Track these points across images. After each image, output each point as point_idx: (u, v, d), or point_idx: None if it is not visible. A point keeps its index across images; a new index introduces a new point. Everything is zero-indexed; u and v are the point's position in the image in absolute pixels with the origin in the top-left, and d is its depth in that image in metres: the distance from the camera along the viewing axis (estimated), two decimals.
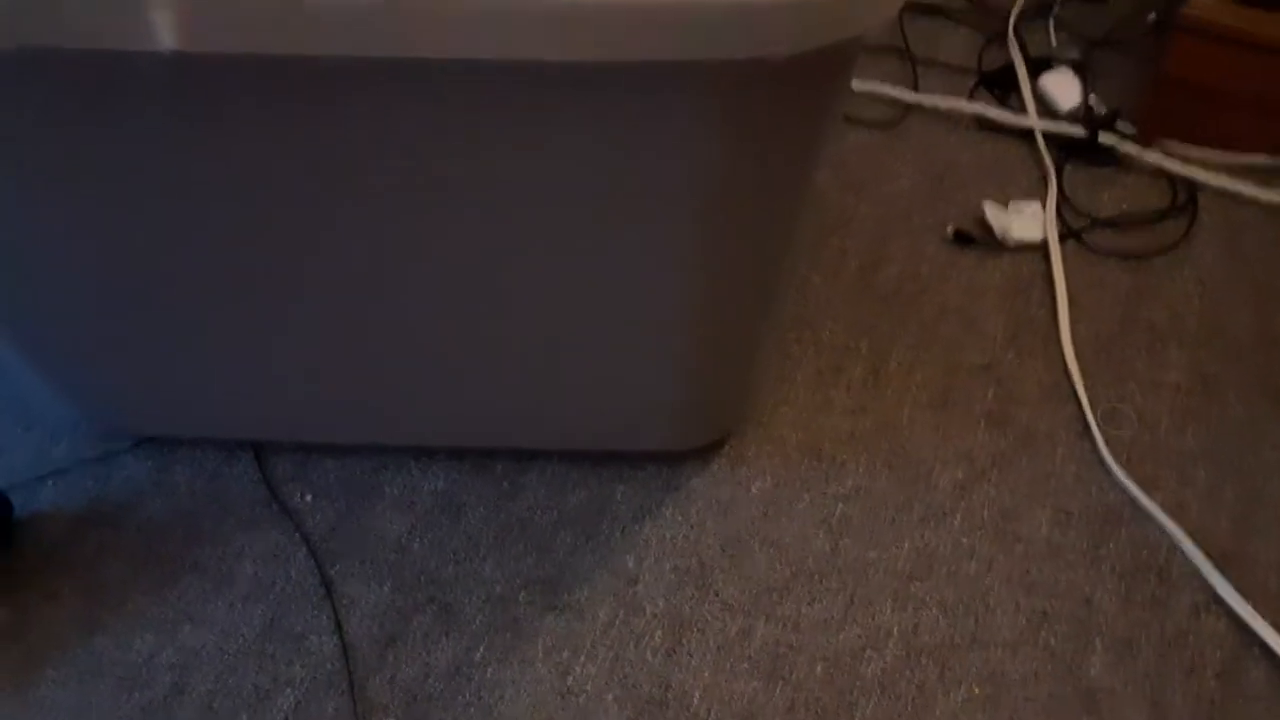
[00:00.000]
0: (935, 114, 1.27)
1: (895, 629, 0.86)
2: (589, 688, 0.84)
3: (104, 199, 0.68)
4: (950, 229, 1.14)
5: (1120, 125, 1.22)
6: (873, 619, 0.87)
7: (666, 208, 0.69)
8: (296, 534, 0.92)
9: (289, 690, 0.84)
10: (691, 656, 0.85)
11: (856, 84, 1.28)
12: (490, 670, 0.85)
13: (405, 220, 0.71)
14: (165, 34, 0.53)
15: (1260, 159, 1.20)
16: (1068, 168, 1.20)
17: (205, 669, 0.85)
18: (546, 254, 0.74)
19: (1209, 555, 0.88)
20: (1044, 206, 1.16)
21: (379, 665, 0.85)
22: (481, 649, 0.86)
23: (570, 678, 0.84)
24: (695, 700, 0.83)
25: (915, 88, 1.29)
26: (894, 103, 1.28)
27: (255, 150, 0.65)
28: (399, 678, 0.84)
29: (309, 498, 0.94)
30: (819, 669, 0.85)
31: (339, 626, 0.87)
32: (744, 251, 0.76)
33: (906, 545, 0.91)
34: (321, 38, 0.54)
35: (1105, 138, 1.20)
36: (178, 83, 0.59)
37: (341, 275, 0.76)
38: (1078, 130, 1.21)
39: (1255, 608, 0.85)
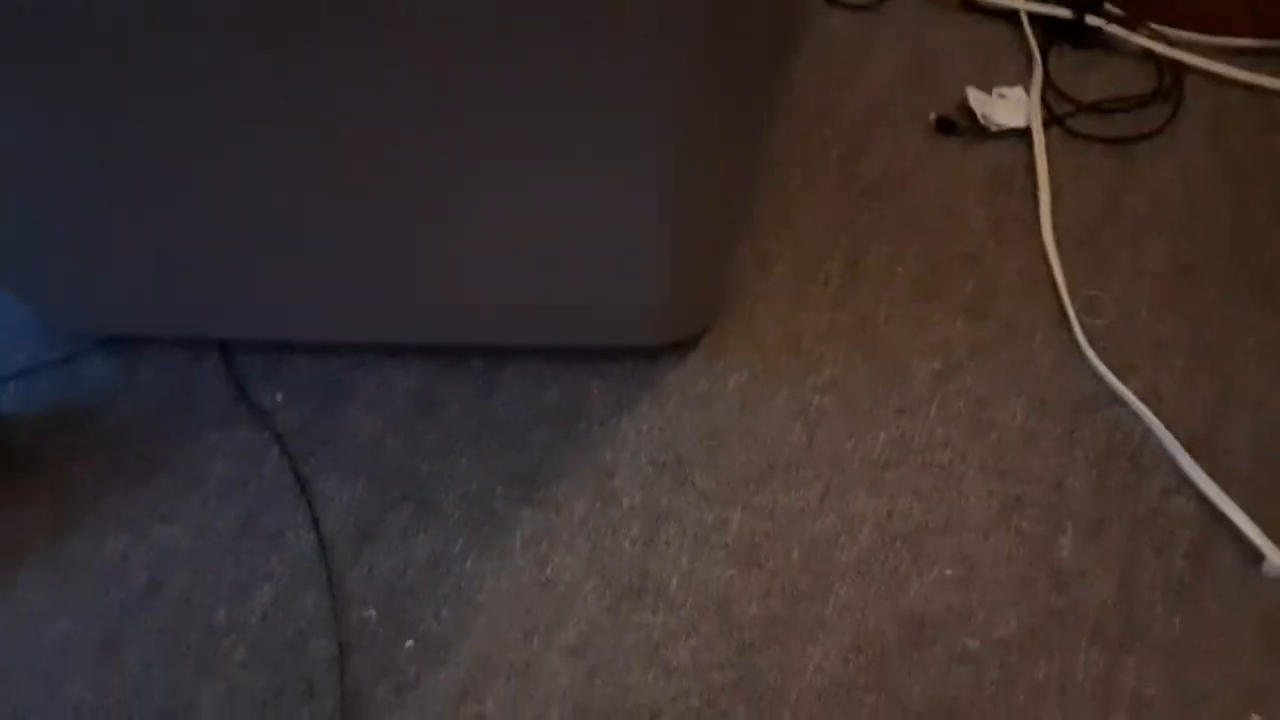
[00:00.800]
0: None
1: (870, 516, 0.87)
2: (567, 577, 0.85)
3: (60, 88, 0.65)
4: (933, 117, 1.11)
5: (1107, 7, 1.19)
6: (848, 507, 0.88)
7: (639, 102, 0.67)
8: (267, 432, 0.91)
9: (266, 584, 0.84)
10: (669, 546, 0.86)
11: None
12: (469, 562, 0.85)
13: (376, 117, 0.68)
14: None
15: (1247, 41, 1.17)
16: (1053, 51, 1.17)
17: (180, 566, 0.85)
18: (518, 150, 0.71)
19: (1181, 440, 0.89)
20: (1028, 92, 1.13)
21: (356, 559, 0.85)
22: (460, 542, 0.86)
23: (549, 568, 0.85)
24: (673, 587, 0.84)
25: None
26: None
27: (221, 45, 0.62)
28: (377, 571, 0.84)
29: (280, 396, 0.93)
30: (795, 555, 0.85)
31: (315, 522, 0.86)
32: (718, 144, 0.73)
33: (882, 435, 0.91)
34: None
35: (1092, 19, 1.17)
36: None
37: (310, 169, 0.73)
38: (1064, 12, 1.17)
39: (1224, 490, 0.87)
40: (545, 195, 0.75)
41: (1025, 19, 1.19)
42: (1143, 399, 0.91)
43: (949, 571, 0.84)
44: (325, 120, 0.68)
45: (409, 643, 0.81)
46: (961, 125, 1.10)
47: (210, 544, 0.86)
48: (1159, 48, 1.17)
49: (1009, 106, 1.11)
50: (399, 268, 0.84)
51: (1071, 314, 0.97)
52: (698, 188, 0.76)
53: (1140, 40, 1.17)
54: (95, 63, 0.63)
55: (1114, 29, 1.17)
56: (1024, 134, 1.10)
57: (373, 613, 0.82)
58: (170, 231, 0.79)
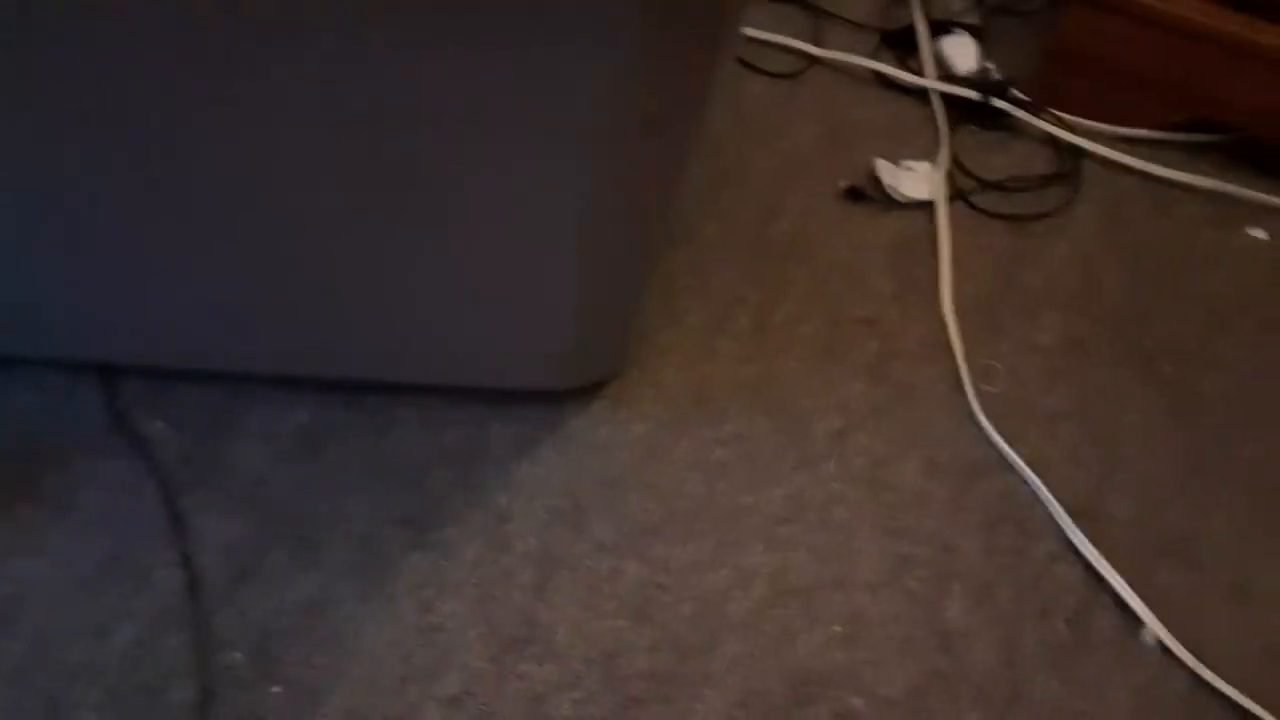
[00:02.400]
0: (836, 68, 1.27)
1: (763, 570, 0.87)
2: (451, 624, 0.82)
3: None
4: (843, 184, 1.14)
5: (1013, 92, 1.24)
6: (742, 561, 0.87)
7: (550, 140, 0.67)
8: (145, 463, 0.87)
9: (128, 624, 0.79)
10: (559, 594, 0.84)
11: (760, 33, 1.27)
12: (348, 606, 0.82)
13: (272, 135, 0.67)
14: None
15: (1143, 131, 1.23)
16: (961, 130, 1.22)
17: (38, 599, 0.80)
18: (423, 181, 0.70)
19: (1066, 508, 0.91)
20: (934, 167, 1.17)
21: (228, 600, 0.81)
22: (341, 585, 0.83)
23: (433, 614, 0.82)
24: (559, 637, 0.82)
25: (818, 42, 1.28)
26: (797, 54, 1.27)
27: (110, 54, 0.60)
28: (250, 613, 0.81)
29: (161, 425, 0.89)
30: (686, 608, 0.84)
31: (186, 559, 0.82)
32: (627, 190, 0.74)
33: (779, 491, 0.92)
34: None
35: (998, 103, 1.22)
36: None
37: (199, 185, 0.71)
38: (972, 94, 1.23)
39: (1107, 559, 0.89)
40: (448, 229, 0.75)
41: (935, 98, 1.23)
42: (1031, 466, 0.93)
43: (838, 629, 0.84)
44: (216, 133, 0.67)
45: (276, 689, 0.77)
46: (869, 194, 1.14)
47: (72, 578, 0.81)
48: (1060, 133, 1.22)
49: (915, 179, 1.14)
50: (293, 296, 0.82)
51: (967, 381, 0.99)
52: (604, 231, 0.77)
53: (1043, 125, 1.23)
54: None
55: (1019, 113, 1.23)
56: (928, 206, 1.14)
57: (239, 656, 0.78)
58: (48, 246, 0.76)
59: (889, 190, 1.13)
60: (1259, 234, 1.17)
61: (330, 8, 0.58)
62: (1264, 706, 0.82)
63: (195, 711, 0.76)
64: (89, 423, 0.89)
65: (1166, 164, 1.21)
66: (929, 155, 1.19)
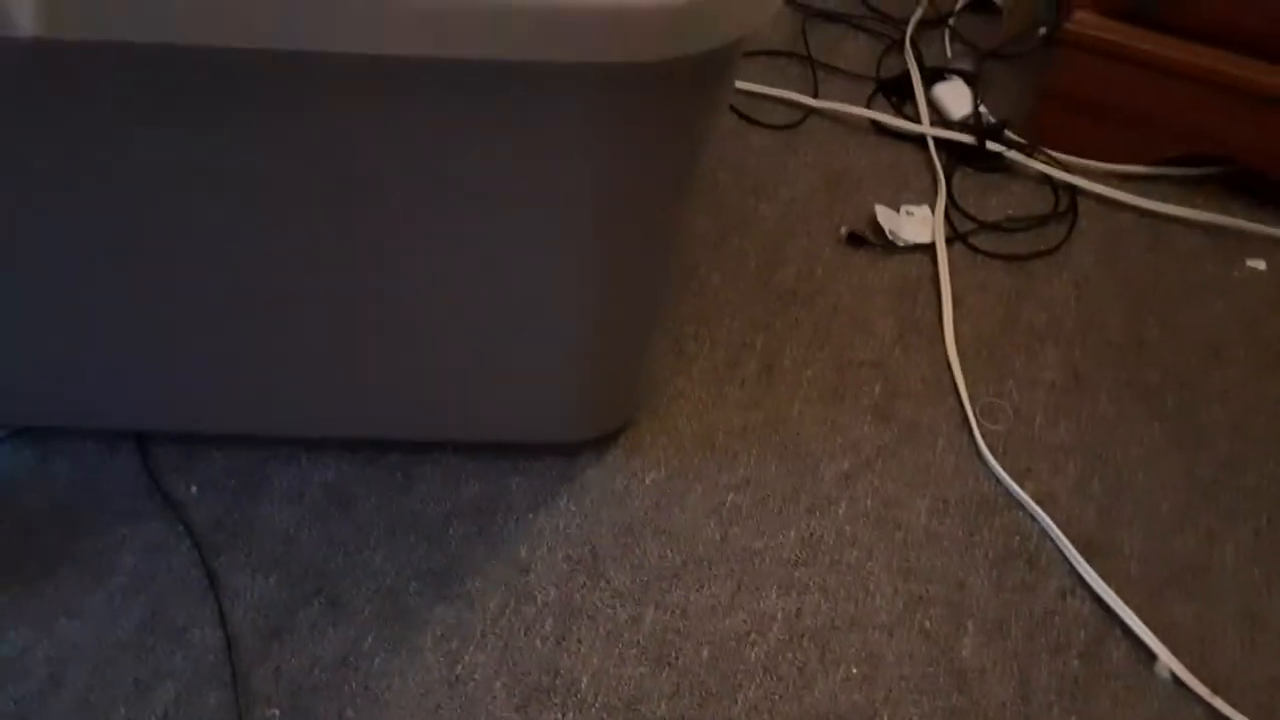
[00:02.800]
0: (834, 118, 1.31)
1: (779, 613, 0.89)
2: (478, 675, 0.84)
3: None
4: (844, 231, 1.18)
5: (1008, 134, 1.28)
6: (758, 604, 0.89)
7: (553, 204, 0.71)
8: (180, 526, 0.90)
9: (169, 683, 0.82)
10: (581, 643, 0.87)
11: (759, 87, 1.31)
12: (378, 660, 0.84)
13: (289, 211, 0.71)
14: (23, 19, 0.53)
15: (1137, 168, 1.26)
16: (957, 174, 1.25)
17: (82, 662, 0.83)
18: (434, 248, 0.74)
19: (1075, 543, 0.93)
20: (933, 210, 1.20)
21: (263, 657, 0.84)
22: (369, 640, 0.85)
23: (459, 666, 0.85)
24: (583, 686, 0.84)
25: (815, 93, 1.32)
26: (795, 106, 1.31)
27: (133, 131, 0.64)
28: (284, 669, 0.83)
29: (194, 489, 0.93)
30: (705, 653, 0.86)
31: (222, 618, 0.85)
32: (633, 247, 0.77)
33: (793, 533, 0.94)
34: (193, 27, 0.54)
35: (993, 145, 1.25)
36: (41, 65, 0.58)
37: (224, 263, 0.75)
38: (968, 138, 1.26)
39: (1117, 593, 0.90)
40: (458, 292, 0.78)
41: (931, 143, 1.27)
42: (1039, 502, 0.95)
43: (854, 670, 0.86)
44: (232, 210, 0.70)
45: None
46: (870, 240, 1.17)
47: (114, 640, 0.84)
48: (1055, 173, 1.25)
49: (915, 223, 1.18)
50: (314, 362, 0.86)
51: (972, 419, 1.01)
52: (612, 290, 0.80)
53: (1038, 165, 1.26)
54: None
55: (1014, 155, 1.26)
56: (929, 249, 1.17)
57: (276, 712, 0.81)
58: (82, 321, 0.80)
59: (889, 235, 1.16)
60: (1258, 265, 1.20)
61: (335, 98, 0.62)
62: None
63: None
64: (124, 489, 0.93)
65: (1163, 199, 1.24)
66: (927, 199, 1.22)
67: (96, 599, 0.86)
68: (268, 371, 0.87)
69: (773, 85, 1.32)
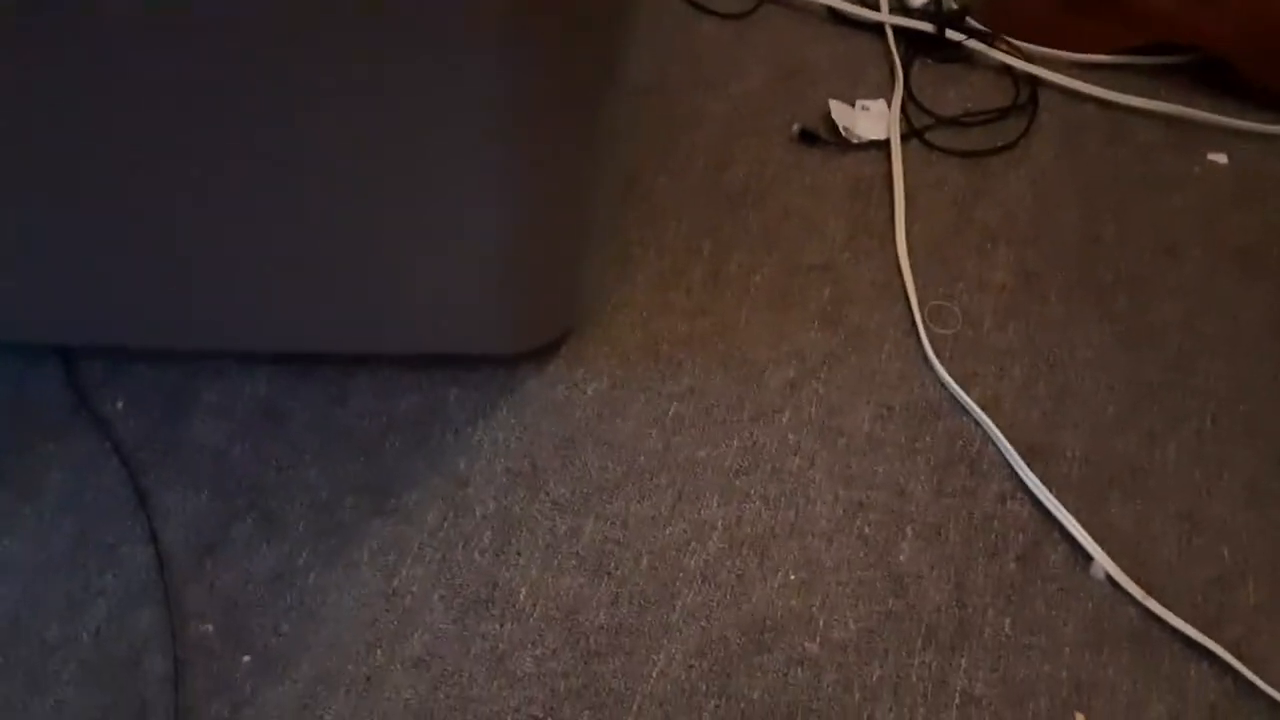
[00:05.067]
0: (788, 5, 1.24)
1: (719, 522, 0.88)
2: (415, 589, 0.84)
3: None
4: (796, 128, 1.13)
5: (969, 21, 1.22)
6: (698, 513, 0.89)
7: (468, 102, 0.66)
8: (108, 442, 0.88)
9: (101, 600, 0.81)
10: (519, 555, 0.86)
11: None
12: (313, 575, 0.84)
13: (208, 116, 0.67)
14: None
15: (1100, 57, 1.22)
16: (916, 65, 1.20)
17: (12, 580, 0.82)
18: (355, 157, 0.70)
19: (1017, 447, 0.92)
20: (889, 105, 1.16)
21: (196, 573, 0.83)
22: (304, 555, 0.85)
23: (396, 580, 0.84)
24: (521, 597, 0.84)
25: None
26: None
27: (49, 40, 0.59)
28: (217, 585, 0.83)
29: (121, 404, 0.90)
30: (644, 562, 0.86)
31: (153, 535, 0.84)
32: (556, 146, 0.73)
33: (735, 443, 0.93)
34: None
35: (953, 34, 1.20)
36: None
37: (145, 168, 0.71)
38: (927, 26, 1.21)
39: (1057, 496, 0.90)
40: (388, 206, 0.75)
41: (890, 32, 1.21)
42: (983, 406, 0.95)
43: (793, 576, 0.86)
44: (159, 118, 0.66)
45: (246, 658, 0.80)
46: (824, 137, 1.13)
47: (44, 558, 0.83)
48: (1016, 63, 1.21)
49: (870, 119, 1.13)
50: (240, 272, 0.82)
51: (920, 324, 1.00)
52: (539, 191, 0.76)
53: (999, 55, 1.21)
54: None
55: (974, 43, 1.21)
56: (884, 146, 1.13)
57: (210, 628, 0.81)
58: (3, 230, 0.76)
59: (843, 132, 1.12)
60: (1219, 158, 1.17)
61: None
62: (1212, 637, 0.84)
63: (169, 682, 0.79)
64: (50, 405, 0.90)
65: (1126, 90, 1.19)
66: (884, 93, 1.17)
67: (25, 516, 0.85)
68: (194, 284, 0.84)
69: None
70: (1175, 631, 0.85)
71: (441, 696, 0.79)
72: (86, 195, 0.73)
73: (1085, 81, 1.20)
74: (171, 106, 0.65)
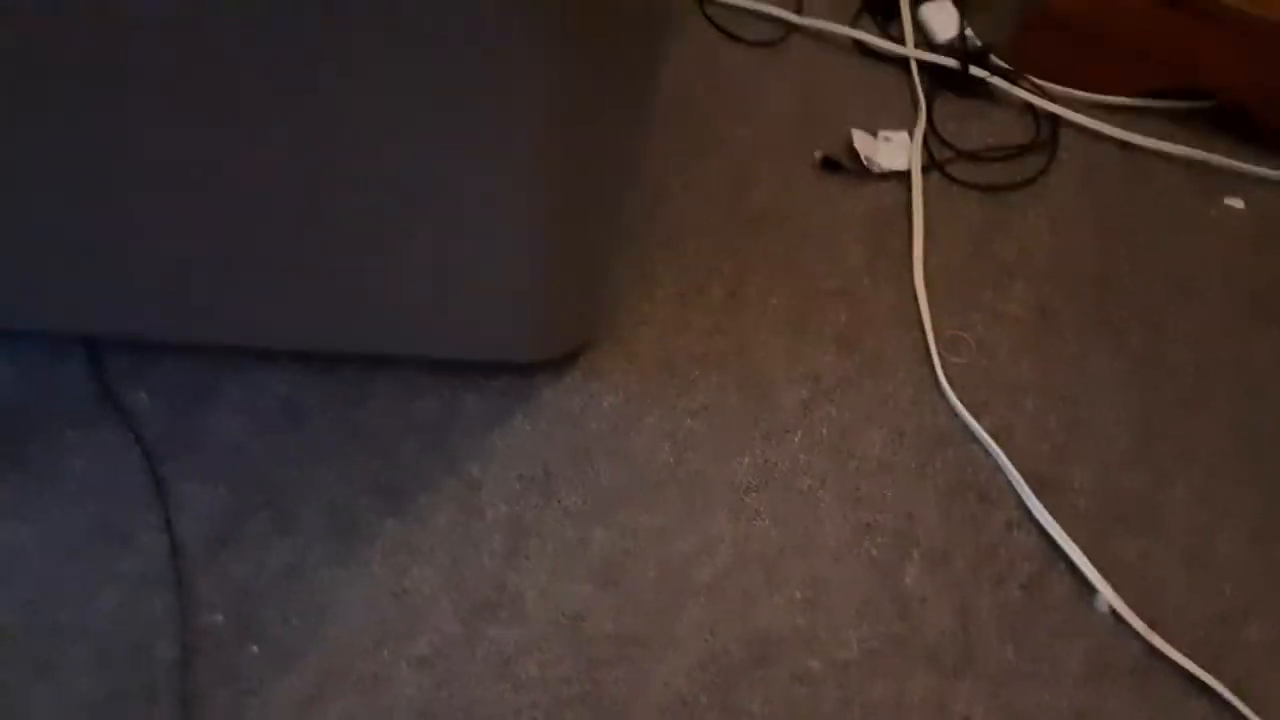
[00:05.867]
0: (817, 36, 1.26)
1: (728, 537, 0.89)
2: (425, 590, 0.85)
3: None
4: (819, 155, 1.15)
5: (993, 59, 1.24)
6: (707, 528, 0.90)
7: (503, 111, 0.68)
8: (129, 433, 0.89)
9: (114, 587, 0.83)
10: (529, 560, 0.87)
11: (741, 1, 1.27)
12: (324, 572, 0.85)
13: (241, 113, 0.68)
14: None
15: (1122, 99, 1.23)
16: (939, 99, 1.22)
17: (27, 565, 0.83)
18: (382, 154, 0.72)
19: (1027, 478, 0.93)
20: (911, 137, 1.17)
21: (209, 565, 0.84)
22: (317, 551, 0.86)
23: (406, 580, 0.85)
24: (529, 601, 0.85)
25: (799, 9, 1.28)
26: (777, 22, 1.27)
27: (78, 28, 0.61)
28: (229, 576, 0.84)
29: (144, 396, 0.92)
30: (652, 574, 0.87)
31: (169, 525, 0.85)
32: (587, 160, 0.75)
33: (747, 460, 0.94)
34: None
35: (977, 70, 1.22)
36: None
37: (176, 166, 0.73)
38: (951, 62, 1.23)
39: (1064, 527, 0.91)
40: (408, 200, 0.76)
41: (914, 66, 1.23)
42: (994, 436, 0.95)
43: (798, 594, 0.87)
44: (189, 112, 0.68)
45: (255, 649, 0.81)
46: (845, 165, 1.14)
47: (60, 544, 0.85)
48: (1038, 101, 1.22)
49: (892, 150, 1.15)
50: (268, 270, 0.84)
51: (934, 352, 1.01)
52: (566, 201, 0.78)
53: (1021, 93, 1.23)
54: None
55: (997, 81, 1.23)
56: (904, 177, 1.15)
57: (220, 618, 0.82)
58: (33, 223, 0.78)
59: (865, 161, 1.14)
60: (1236, 203, 1.18)
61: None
62: (1212, 673, 0.84)
63: (178, 669, 0.80)
64: (74, 394, 0.92)
65: (1145, 132, 1.21)
66: (906, 125, 1.19)
67: (44, 503, 0.86)
68: (221, 280, 0.86)
69: (755, 0, 1.28)
70: (1176, 667, 0.85)
71: (445, 696, 0.80)
72: (112, 189, 0.75)
73: (1106, 122, 1.21)
74: (194, 99, 0.67)
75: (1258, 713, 0.82)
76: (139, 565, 0.84)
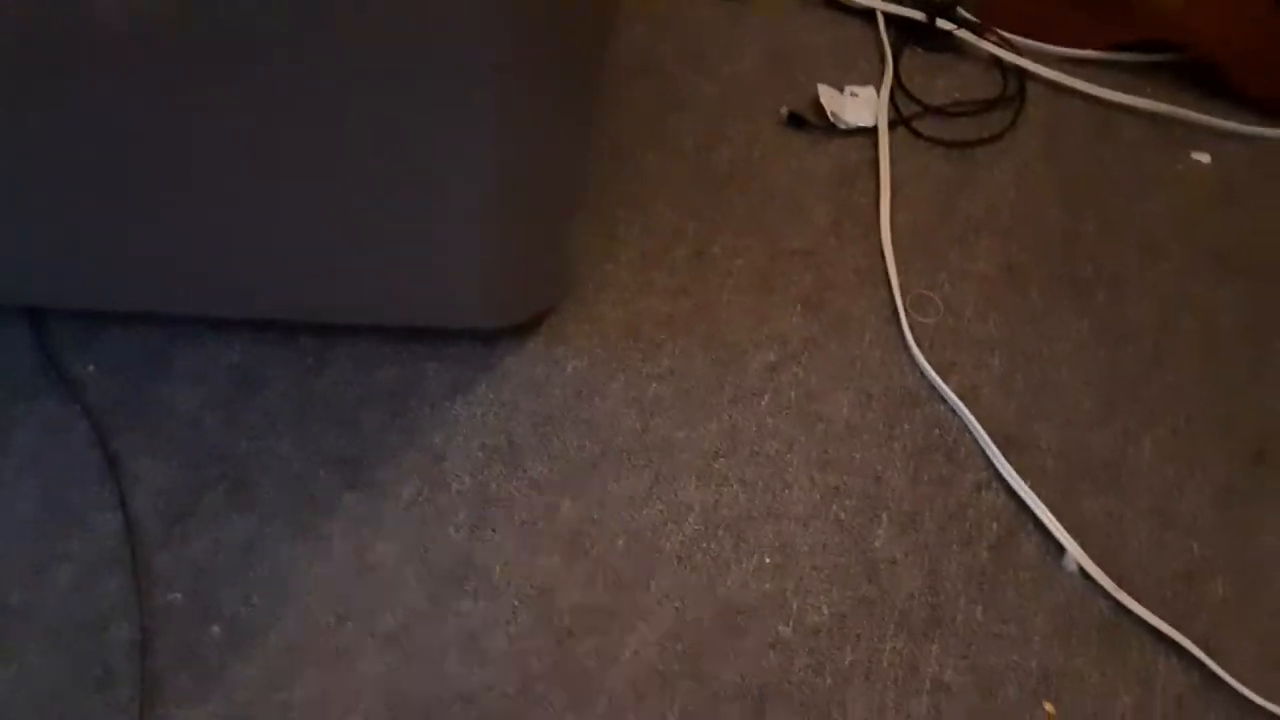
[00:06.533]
0: None
1: (696, 504, 0.88)
2: (388, 564, 0.83)
3: None
4: (785, 111, 1.13)
5: (960, 11, 1.22)
6: (675, 495, 0.89)
7: (453, 70, 0.65)
8: (77, 405, 0.86)
9: (67, 565, 0.80)
10: (495, 533, 0.86)
11: None
12: (284, 547, 0.83)
13: (186, 77, 0.65)
14: None
15: (1089, 53, 1.22)
16: (905, 53, 1.20)
17: None
18: (335, 124, 0.69)
19: (994, 437, 0.93)
20: (878, 92, 1.15)
21: (165, 541, 0.82)
22: (277, 526, 0.84)
23: (369, 554, 0.83)
24: (495, 575, 0.84)
25: None
26: None
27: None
28: (186, 553, 0.82)
29: (92, 368, 0.88)
30: (620, 543, 0.86)
31: (122, 501, 0.83)
32: (542, 120, 0.72)
33: (714, 425, 0.93)
34: None
35: (944, 23, 1.20)
36: None
37: (124, 131, 0.70)
38: (918, 14, 1.20)
39: (1032, 487, 0.91)
40: (361, 164, 0.73)
41: (881, 19, 1.21)
42: (961, 396, 0.95)
43: (767, 559, 0.86)
44: (125, 76, 0.65)
45: (215, 628, 0.79)
46: (812, 121, 1.12)
47: (7, 522, 0.82)
48: (1005, 55, 1.21)
49: (859, 105, 1.13)
50: (218, 237, 0.81)
51: (901, 312, 1.00)
52: (521, 164, 0.75)
53: (988, 46, 1.21)
54: None
55: (964, 34, 1.21)
56: (872, 133, 1.13)
57: (178, 597, 0.80)
58: None
59: (831, 117, 1.12)
60: (1203, 158, 1.17)
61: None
62: (1179, 630, 0.85)
63: (136, 650, 0.78)
64: (19, 366, 0.88)
65: (1113, 86, 1.20)
66: (873, 80, 1.17)
67: None
68: (170, 246, 0.82)
69: None
70: (1144, 624, 0.86)
71: (413, 672, 0.79)
72: (54, 154, 0.71)
73: (1073, 76, 1.20)
74: (139, 64, 0.64)
75: (1224, 667, 0.83)
76: (92, 543, 0.81)
